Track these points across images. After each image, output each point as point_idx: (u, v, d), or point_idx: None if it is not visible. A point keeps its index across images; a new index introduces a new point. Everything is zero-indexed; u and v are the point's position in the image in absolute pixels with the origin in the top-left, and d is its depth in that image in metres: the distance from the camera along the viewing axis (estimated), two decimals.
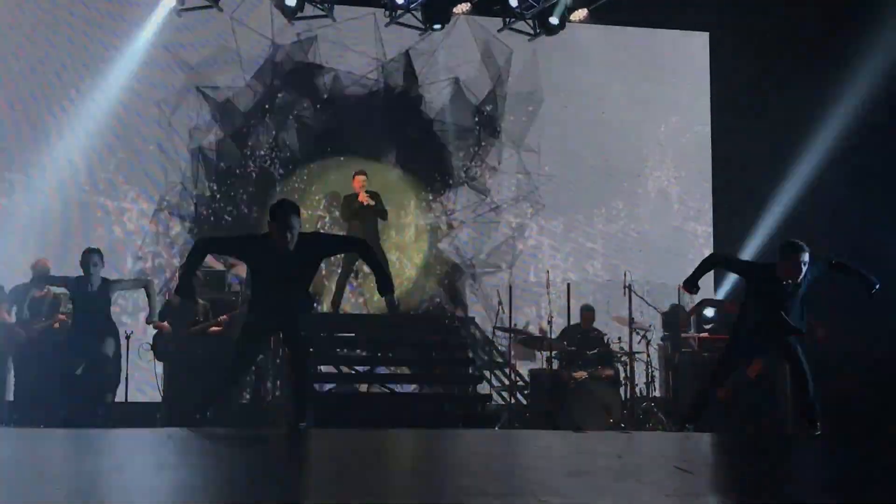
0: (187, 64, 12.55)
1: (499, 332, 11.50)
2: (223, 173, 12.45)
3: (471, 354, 11.09)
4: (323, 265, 9.99)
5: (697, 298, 10.01)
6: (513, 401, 11.03)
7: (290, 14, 12.61)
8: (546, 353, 10.73)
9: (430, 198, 13.12)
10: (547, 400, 10.51)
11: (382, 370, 10.86)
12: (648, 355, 10.87)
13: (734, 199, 13.40)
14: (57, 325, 9.80)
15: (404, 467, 4.27)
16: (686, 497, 3.25)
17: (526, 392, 11.43)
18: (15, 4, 12.32)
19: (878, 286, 7.66)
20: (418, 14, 13.06)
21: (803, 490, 3.51)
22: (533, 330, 11.83)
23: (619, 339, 11.01)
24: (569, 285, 11.27)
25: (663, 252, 13.44)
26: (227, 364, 7.37)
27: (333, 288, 11.21)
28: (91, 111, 12.31)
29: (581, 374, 10.44)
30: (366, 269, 10.20)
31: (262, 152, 12.61)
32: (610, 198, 13.69)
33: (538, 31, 13.34)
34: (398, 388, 10.66)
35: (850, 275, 7.76)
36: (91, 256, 8.91)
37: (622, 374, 10.76)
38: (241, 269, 10.45)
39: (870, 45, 11.34)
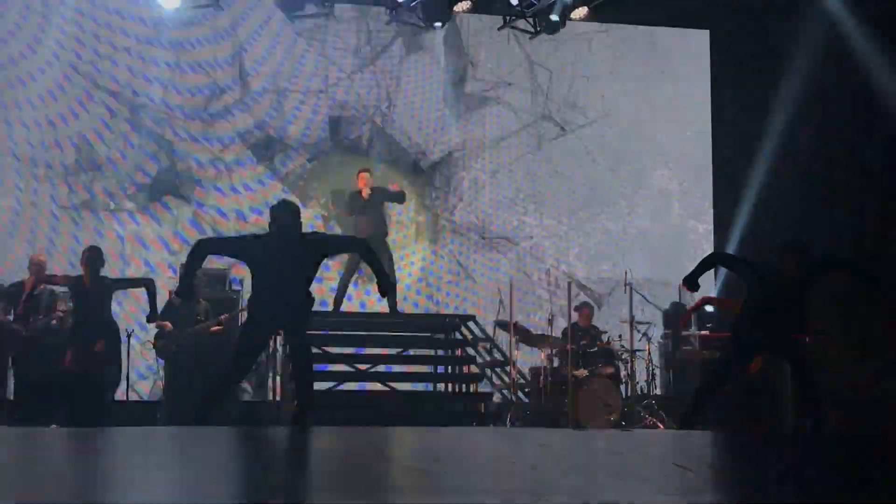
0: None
1: (500, 330, 11.49)
2: None
3: (472, 352, 11.09)
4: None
5: (698, 296, 10.00)
6: (513, 399, 11.03)
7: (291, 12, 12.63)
8: (547, 351, 10.73)
9: (433, 195, 13.13)
10: (547, 398, 10.50)
11: (383, 368, 10.86)
12: (649, 353, 10.88)
13: (735, 198, 13.38)
14: (55, 321, 9.78)
15: (405, 465, 4.27)
16: (686, 495, 3.25)
17: (527, 390, 11.43)
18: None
19: (880, 281, 7.65)
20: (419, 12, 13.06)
21: (804, 489, 3.51)
22: (534, 328, 11.82)
23: (620, 336, 11.01)
24: (570, 283, 11.27)
25: (664, 250, 13.44)
26: (228, 363, 7.38)
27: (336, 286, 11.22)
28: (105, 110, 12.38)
29: (582, 372, 10.44)
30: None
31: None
32: (611, 196, 13.68)
33: (538, 28, 13.33)
34: (399, 387, 10.67)
35: (852, 272, 7.75)
36: (92, 255, 8.91)
37: (623, 372, 10.76)
38: (240, 270, 10.45)
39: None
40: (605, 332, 11.03)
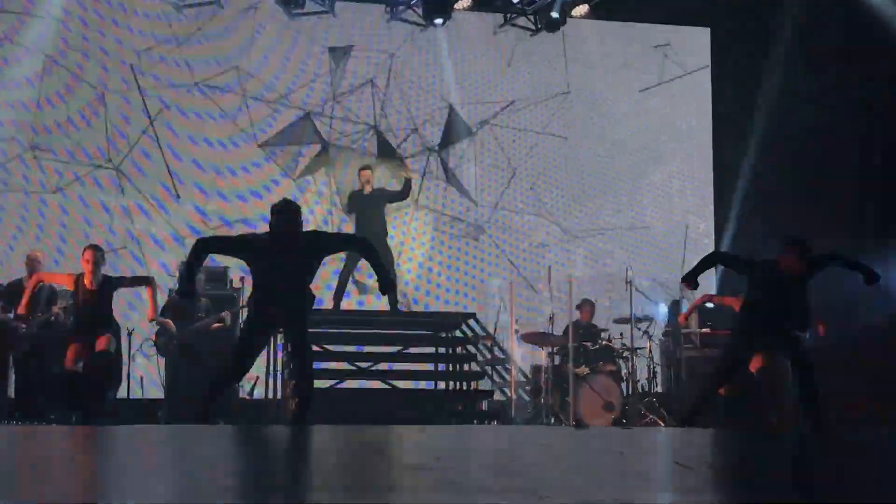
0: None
1: (500, 328, 11.49)
2: None
3: (472, 350, 11.09)
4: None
5: (698, 294, 10.01)
6: (514, 396, 11.04)
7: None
8: (548, 349, 10.73)
9: (434, 192, 13.13)
10: (548, 396, 10.51)
11: (384, 366, 10.86)
12: (650, 351, 10.88)
13: (735, 196, 13.39)
14: (53, 317, 9.78)
15: (405, 463, 4.27)
16: (687, 493, 3.25)
17: (527, 388, 11.44)
18: None
19: (879, 278, 7.66)
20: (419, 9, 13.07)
21: (805, 487, 3.51)
22: (534, 326, 11.82)
23: (621, 334, 11.01)
24: (570, 281, 11.27)
25: (665, 248, 13.44)
26: (229, 361, 7.38)
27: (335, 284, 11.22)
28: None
29: (583, 370, 10.44)
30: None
31: None
32: (612, 194, 13.69)
33: (539, 26, 13.33)
34: (399, 385, 10.67)
35: (851, 267, 7.75)
36: (93, 253, 8.90)
37: (624, 370, 10.77)
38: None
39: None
40: (606, 330, 11.04)
